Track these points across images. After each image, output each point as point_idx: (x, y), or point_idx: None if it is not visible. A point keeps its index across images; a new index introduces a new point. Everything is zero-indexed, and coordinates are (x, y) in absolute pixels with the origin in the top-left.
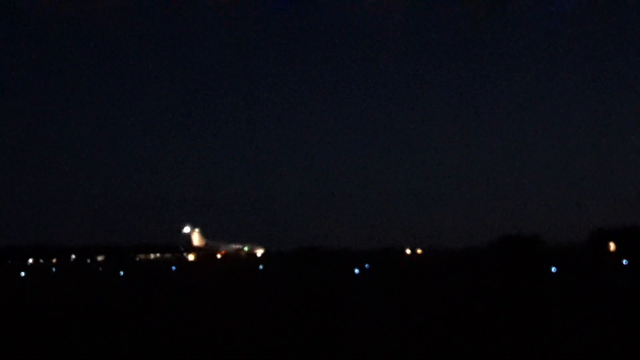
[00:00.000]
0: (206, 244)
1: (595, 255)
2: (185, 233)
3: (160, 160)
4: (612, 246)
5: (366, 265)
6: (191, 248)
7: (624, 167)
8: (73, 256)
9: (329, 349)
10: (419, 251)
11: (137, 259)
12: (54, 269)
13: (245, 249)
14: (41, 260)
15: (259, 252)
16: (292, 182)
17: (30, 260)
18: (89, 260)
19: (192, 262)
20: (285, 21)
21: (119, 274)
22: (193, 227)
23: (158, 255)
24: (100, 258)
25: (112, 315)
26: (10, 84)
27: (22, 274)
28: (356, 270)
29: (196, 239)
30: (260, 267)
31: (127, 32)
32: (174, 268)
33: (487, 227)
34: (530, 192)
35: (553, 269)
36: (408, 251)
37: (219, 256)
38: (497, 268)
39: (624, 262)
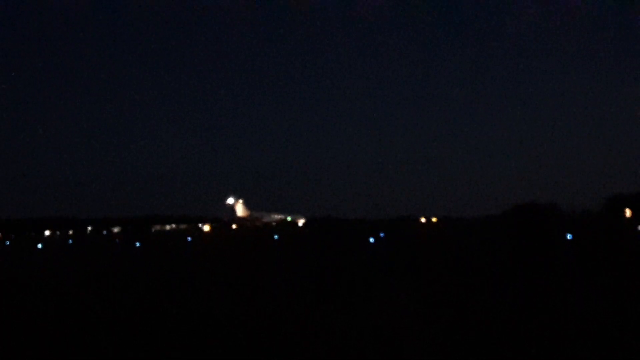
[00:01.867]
0: (250, 214)
1: (611, 221)
2: (229, 204)
3: (196, 133)
4: (628, 212)
5: (381, 234)
6: (235, 218)
7: (638, 132)
8: (89, 228)
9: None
10: (434, 219)
11: (153, 230)
12: (70, 241)
13: (288, 218)
14: (57, 233)
15: (301, 222)
16: (317, 153)
17: (47, 232)
18: (104, 232)
19: (207, 232)
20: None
21: (134, 245)
22: (237, 198)
23: (174, 226)
24: (116, 230)
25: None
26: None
27: (39, 245)
28: (371, 239)
29: (240, 210)
30: (275, 236)
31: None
32: (189, 239)
33: (502, 195)
34: (545, 160)
35: (569, 236)
36: (423, 220)
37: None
38: (512, 236)
39: None
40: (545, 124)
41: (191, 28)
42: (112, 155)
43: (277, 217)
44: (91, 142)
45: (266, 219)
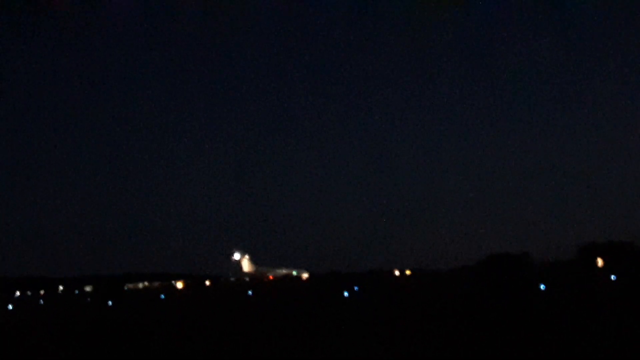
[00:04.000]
0: (255, 270)
1: (584, 271)
2: (235, 260)
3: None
4: (599, 262)
5: (355, 288)
6: (241, 274)
7: (610, 181)
8: (60, 287)
9: None
10: (407, 272)
11: (126, 288)
12: (41, 301)
13: (294, 273)
14: (28, 293)
15: (305, 276)
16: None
17: (17, 293)
18: (76, 291)
19: (181, 290)
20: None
21: (107, 304)
22: (243, 253)
23: (147, 283)
24: (88, 288)
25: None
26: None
27: (9, 307)
28: (345, 293)
29: (246, 265)
30: (250, 292)
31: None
32: (162, 297)
33: (474, 247)
34: (516, 210)
35: (542, 286)
36: (397, 272)
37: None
38: (486, 287)
39: (612, 277)
40: (517, 173)
41: (179, 71)
42: (85, 211)
43: (283, 272)
44: (63, 197)
45: (271, 275)
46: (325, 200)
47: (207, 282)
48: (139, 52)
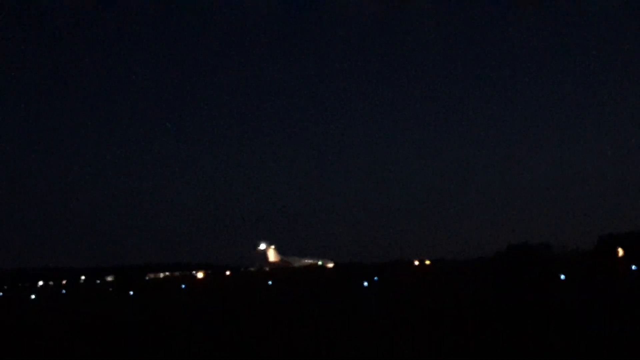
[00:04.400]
0: (281, 260)
1: (604, 261)
2: (261, 250)
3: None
4: (620, 252)
5: (375, 278)
6: (267, 264)
7: (630, 171)
8: (82, 277)
9: None
10: (427, 262)
11: (147, 278)
12: (63, 291)
13: (319, 263)
14: (51, 283)
15: (330, 266)
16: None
17: (40, 283)
18: (98, 281)
19: (201, 279)
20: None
21: (128, 293)
22: (269, 243)
23: (167, 273)
24: (109, 278)
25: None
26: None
27: (33, 296)
28: (365, 283)
29: (272, 255)
30: (270, 282)
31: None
32: (183, 286)
33: (494, 237)
34: (537, 200)
35: (562, 277)
36: (416, 262)
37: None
38: (506, 277)
39: (633, 267)
40: (537, 164)
41: (205, 70)
42: (107, 202)
43: (308, 261)
44: (86, 189)
45: (297, 264)
46: (352, 192)
47: (227, 272)
48: (148, 45)
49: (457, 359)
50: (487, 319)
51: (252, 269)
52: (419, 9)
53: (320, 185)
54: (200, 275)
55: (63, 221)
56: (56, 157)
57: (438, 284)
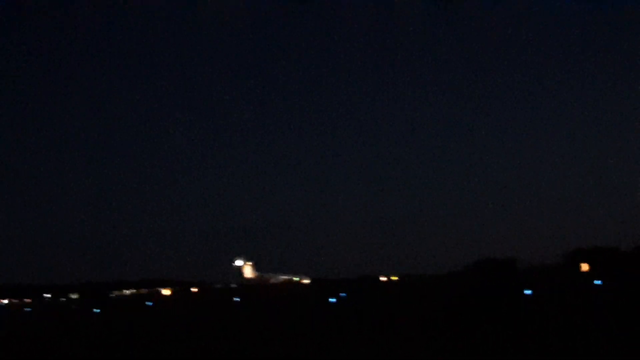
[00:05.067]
0: (258, 276)
1: (569, 275)
2: (237, 266)
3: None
4: (584, 267)
5: (342, 294)
6: (243, 280)
7: (595, 187)
8: (47, 295)
9: None
10: (394, 278)
11: (112, 295)
12: (27, 309)
13: (296, 279)
14: (14, 300)
15: (306, 282)
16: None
17: (5, 301)
18: (63, 299)
19: (167, 296)
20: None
21: (93, 311)
22: (246, 259)
23: (133, 290)
24: (74, 296)
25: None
26: None
27: None
28: (332, 299)
29: (248, 272)
30: (236, 299)
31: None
32: (149, 303)
33: (462, 253)
34: (503, 216)
35: (528, 291)
36: (383, 278)
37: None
38: (473, 292)
39: (597, 282)
40: (504, 180)
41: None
42: (70, 218)
43: (285, 277)
44: (49, 204)
45: (273, 280)
46: (326, 208)
47: (194, 289)
48: (135, 50)
49: None
50: (458, 331)
51: (218, 286)
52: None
53: (297, 200)
54: (166, 292)
55: (26, 237)
56: (13, 170)
57: (404, 298)
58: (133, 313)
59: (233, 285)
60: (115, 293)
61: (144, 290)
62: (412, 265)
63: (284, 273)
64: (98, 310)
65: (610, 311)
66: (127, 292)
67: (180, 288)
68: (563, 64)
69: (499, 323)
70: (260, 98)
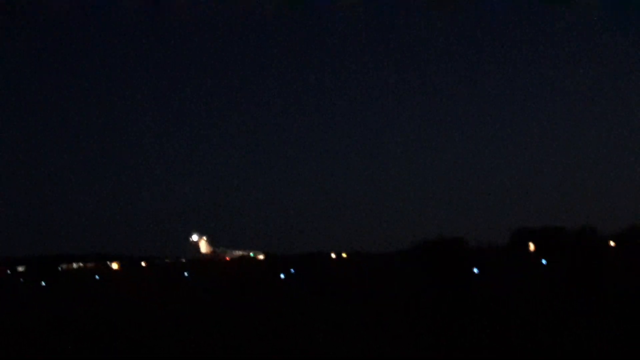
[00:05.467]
0: (213, 252)
1: (516, 255)
2: (193, 241)
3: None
4: (531, 246)
5: (292, 270)
6: (198, 256)
7: (543, 167)
8: None
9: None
10: (344, 255)
11: (60, 268)
12: None
13: (251, 254)
14: None
15: (261, 257)
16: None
17: None
18: (8, 272)
19: (116, 271)
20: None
21: (40, 284)
22: (200, 235)
23: (81, 264)
24: (21, 269)
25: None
26: None
27: None
28: (282, 275)
29: (203, 247)
30: (186, 274)
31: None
32: (97, 277)
33: (410, 231)
34: (451, 194)
35: (475, 270)
36: (333, 255)
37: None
38: (421, 270)
39: (543, 261)
40: (451, 158)
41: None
42: (17, 188)
43: (240, 253)
44: None
45: (229, 256)
46: (283, 183)
47: (143, 264)
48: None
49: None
50: (401, 308)
51: (167, 260)
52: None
53: (253, 176)
54: (115, 266)
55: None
56: None
57: (352, 275)
58: (81, 286)
59: (182, 260)
60: (64, 266)
61: (92, 264)
62: (362, 243)
63: (240, 248)
64: (45, 283)
65: (555, 289)
66: (76, 265)
67: (129, 262)
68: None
69: (446, 301)
70: (213, 72)
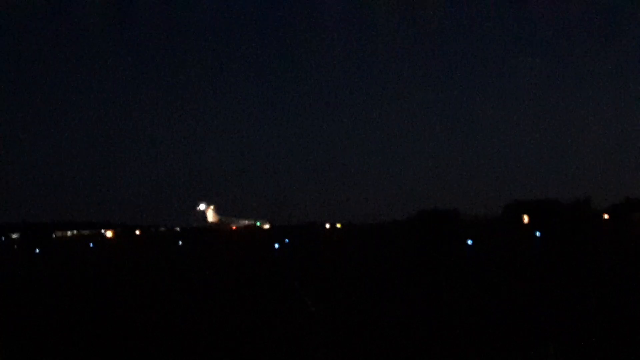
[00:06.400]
0: (219, 220)
1: (510, 227)
2: (200, 210)
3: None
4: (525, 218)
5: (286, 240)
6: (206, 224)
7: (538, 141)
8: None
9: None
10: (338, 225)
11: (54, 235)
12: None
13: (258, 224)
14: None
15: (266, 227)
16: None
17: None
18: (2, 238)
19: (110, 238)
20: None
21: (34, 251)
22: (208, 204)
23: (75, 232)
24: (15, 236)
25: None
26: None
27: None
28: (276, 245)
29: (210, 216)
30: (180, 242)
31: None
32: (91, 245)
33: (406, 203)
34: (447, 167)
35: (469, 242)
36: (328, 226)
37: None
38: (416, 241)
39: (537, 233)
40: (445, 131)
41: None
42: (12, 155)
43: (246, 222)
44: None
45: (235, 225)
46: (293, 153)
47: (137, 232)
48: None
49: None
50: (393, 278)
51: (162, 229)
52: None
53: (259, 145)
54: (109, 234)
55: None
56: None
57: (347, 245)
58: (74, 254)
59: (177, 229)
60: (58, 233)
61: (87, 232)
62: (359, 213)
63: (246, 218)
64: (39, 250)
65: (549, 261)
66: (69, 233)
67: (123, 230)
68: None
69: (440, 272)
70: (217, 39)
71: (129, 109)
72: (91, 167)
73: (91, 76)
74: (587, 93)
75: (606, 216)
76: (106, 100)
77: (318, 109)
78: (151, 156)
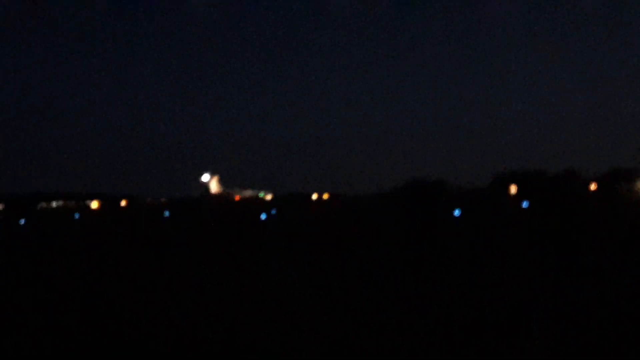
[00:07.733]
0: (223, 191)
1: (497, 197)
2: (204, 181)
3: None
4: (513, 189)
5: (272, 211)
6: (209, 195)
7: (525, 111)
8: None
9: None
10: (325, 196)
11: (38, 207)
12: None
13: (261, 194)
14: None
15: (269, 197)
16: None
17: None
18: None
19: (95, 209)
20: None
21: (19, 222)
22: (212, 174)
23: (60, 202)
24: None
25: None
26: None
27: None
28: (263, 216)
29: (214, 186)
30: (167, 213)
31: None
32: (77, 216)
33: (393, 173)
34: (433, 138)
35: (457, 212)
36: (314, 196)
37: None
38: (404, 211)
39: (524, 204)
40: (433, 102)
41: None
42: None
43: (249, 193)
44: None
45: (239, 195)
46: (294, 123)
47: (123, 202)
48: None
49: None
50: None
51: (148, 199)
52: None
53: (259, 114)
54: (94, 204)
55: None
56: None
57: (334, 216)
58: (59, 225)
59: (162, 200)
60: (43, 204)
61: (71, 203)
62: (348, 184)
63: (249, 188)
64: (24, 221)
65: (535, 232)
66: (54, 204)
67: (108, 201)
68: None
69: (427, 243)
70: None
71: (120, 76)
72: (77, 137)
73: (82, 40)
74: (576, 63)
75: (594, 186)
76: (100, 69)
77: (308, 79)
78: (141, 122)
